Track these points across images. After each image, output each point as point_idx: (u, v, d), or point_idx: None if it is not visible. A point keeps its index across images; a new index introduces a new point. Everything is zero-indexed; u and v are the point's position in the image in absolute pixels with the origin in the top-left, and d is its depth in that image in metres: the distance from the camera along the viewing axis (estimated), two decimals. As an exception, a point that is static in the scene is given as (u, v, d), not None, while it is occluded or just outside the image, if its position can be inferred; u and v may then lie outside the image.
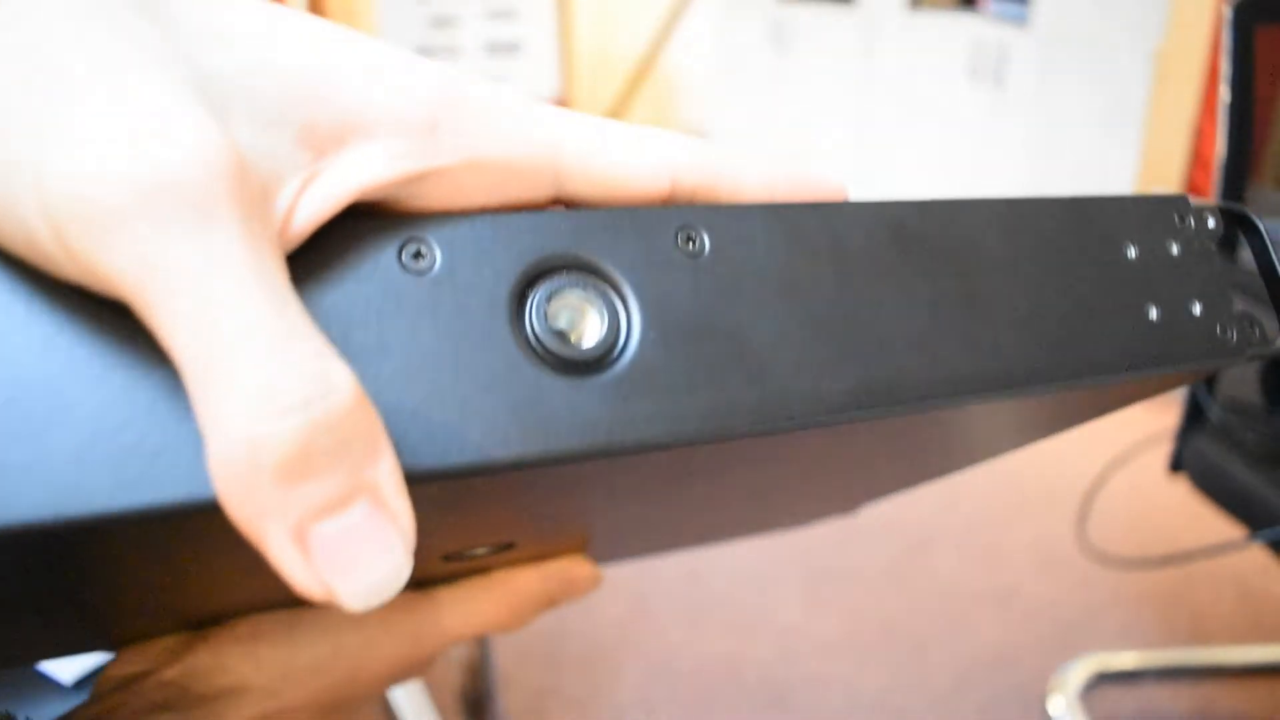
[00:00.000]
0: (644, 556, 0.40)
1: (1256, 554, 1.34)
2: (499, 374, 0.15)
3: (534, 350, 0.16)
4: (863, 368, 0.18)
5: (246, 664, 0.24)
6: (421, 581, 0.25)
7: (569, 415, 0.15)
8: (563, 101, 4.68)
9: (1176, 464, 1.09)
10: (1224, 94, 0.99)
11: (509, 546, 0.24)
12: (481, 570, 0.26)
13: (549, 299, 0.16)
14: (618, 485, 0.20)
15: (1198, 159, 2.14)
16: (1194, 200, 0.23)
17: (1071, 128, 2.25)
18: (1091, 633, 1.36)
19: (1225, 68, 0.99)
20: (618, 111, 5.09)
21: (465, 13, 4.45)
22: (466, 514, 0.19)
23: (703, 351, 0.16)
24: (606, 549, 0.31)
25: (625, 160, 0.18)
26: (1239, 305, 0.23)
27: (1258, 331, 0.23)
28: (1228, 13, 0.99)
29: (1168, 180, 2.13)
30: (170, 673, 0.23)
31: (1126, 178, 2.13)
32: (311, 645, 0.24)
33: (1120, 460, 1.55)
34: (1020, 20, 2.37)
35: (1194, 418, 1.08)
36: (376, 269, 0.15)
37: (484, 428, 0.15)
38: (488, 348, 0.15)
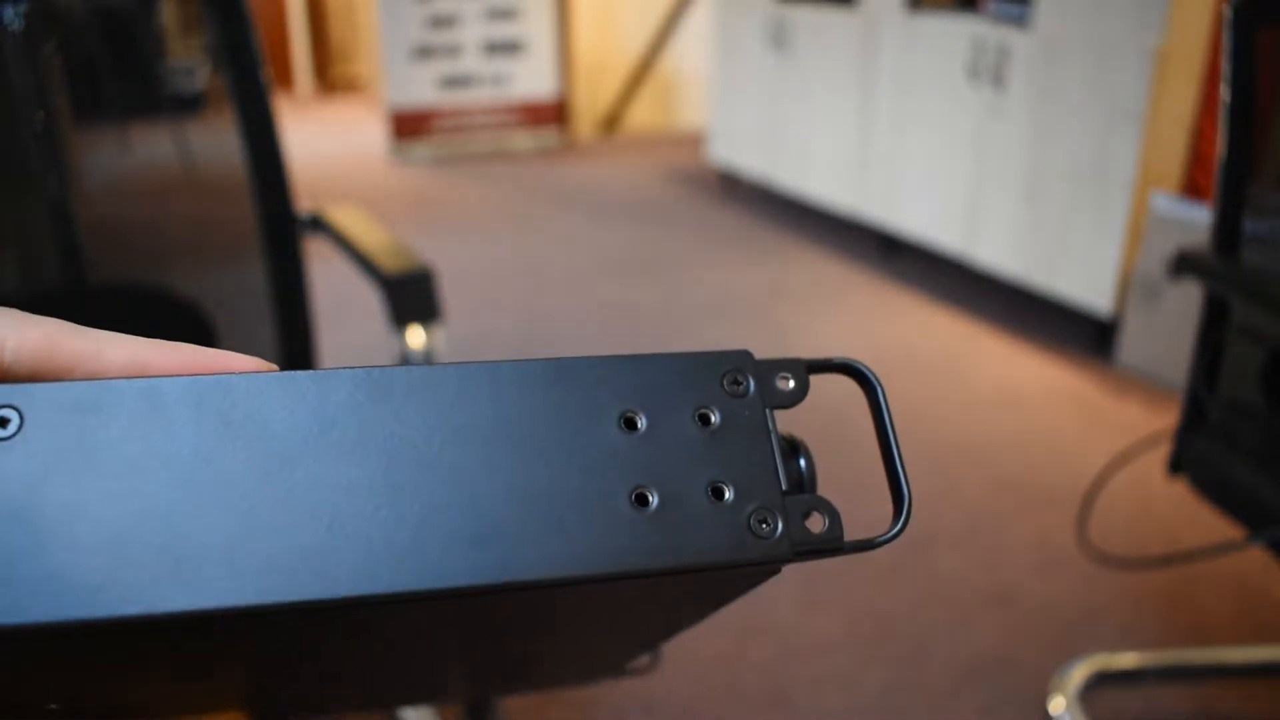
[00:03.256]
0: (375, 707, 0.38)
1: (1256, 554, 1.34)
2: None
3: None
4: (176, 563, 0.16)
5: None
6: None
7: None
8: (563, 101, 4.69)
9: (1176, 464, 1.09)
10: (1224, 94, 0.99)
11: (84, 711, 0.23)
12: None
13: None
14: (132, 663, 0.19)
15: (1198, 159, 2.14)
16: (764, 360, 0.20)
17: (1071, 128, 2.25)
18: (1091, 633, 1.36)
19: (1225, 68, 0.99)
20: (618, 111, 5.09)
21: (465, 12, 4.45)
22: None
23: None
24: (298, 703, 0.30)
25: None
26: (802, 490, 0.19)
27: (825, 521, 0.19)
28: (1228, 13, 0.99)
29: (1168, 180, 2.13)
30: None
31: (1126, 179, 2.13)
32: None
33: (1120, 460, 1.55)
34: (1020, 20, 2.37)
35: (1194, 418, 1.08)
36: None
37: None
38: None
